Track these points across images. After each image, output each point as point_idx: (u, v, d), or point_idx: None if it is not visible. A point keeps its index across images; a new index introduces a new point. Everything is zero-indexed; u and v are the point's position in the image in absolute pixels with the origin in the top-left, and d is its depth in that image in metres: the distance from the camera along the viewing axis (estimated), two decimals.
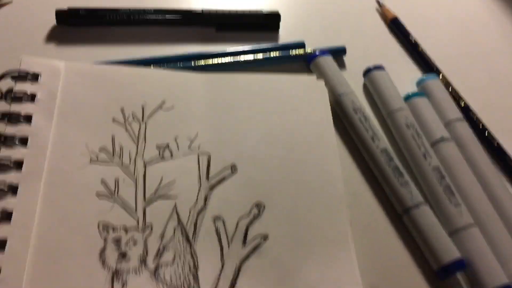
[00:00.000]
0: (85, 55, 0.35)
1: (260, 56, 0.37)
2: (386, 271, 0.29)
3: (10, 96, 0.29)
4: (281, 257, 0.27)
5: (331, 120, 0.33)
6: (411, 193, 0.31)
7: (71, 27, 0.36)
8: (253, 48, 0.37)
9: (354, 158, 0.34)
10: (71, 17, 0.36)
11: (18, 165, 0.27)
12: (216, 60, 0.36)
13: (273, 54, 0.37)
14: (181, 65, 0.35)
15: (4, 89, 0.30)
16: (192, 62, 0.35)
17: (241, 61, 0.36)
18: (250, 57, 0.37)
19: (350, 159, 0.34)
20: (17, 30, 0.36)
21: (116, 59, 0.35)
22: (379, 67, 0.37)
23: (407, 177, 0.32)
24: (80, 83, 0.31)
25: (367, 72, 0.37)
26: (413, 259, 0.30)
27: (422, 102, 0.36)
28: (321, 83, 0.34)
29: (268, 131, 0.31)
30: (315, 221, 0.28)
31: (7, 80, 0.30)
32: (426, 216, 0.30)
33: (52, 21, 0.36)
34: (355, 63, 0.39)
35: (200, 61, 0.36)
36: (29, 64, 0.30)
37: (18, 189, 0.26)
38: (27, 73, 0.30)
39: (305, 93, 0.34)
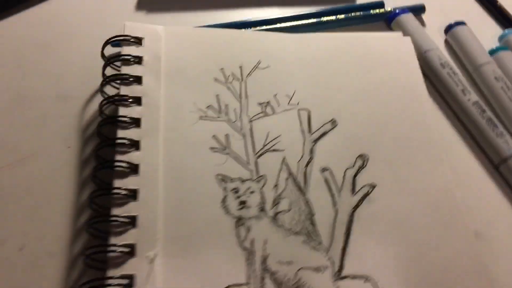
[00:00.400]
0: (173, 22, 0.36)
1: (341, 16, 0.37)
2: (487, 218, 0.30)
3: (116, 60, 0.30)
4: (390, 205, 0.28)
5: (421, 74, 0.33)
6: (508, 143, 0.31)
7: None
8: (333, 9, 0.38)
9: (443, 112, 0.34)
10: None
11: (136, 122, 0.28)
12: (300, 22, 0.37)
13: (354, 14, 0.38)
14: (266, 28, 0.36)
15: (109, 55, 0.32)
16: (276, 24, 0.36)
17: (323, 21, 0.37)
18: (332, 17, 0.37)
19: (439, 114, 0.34)
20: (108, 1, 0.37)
21: (201, 24, 0.36)
22: (461, 23, 0.37)
23: (501, 128, 0.32)
24: (181, 45, 0.32)
25: (449, 28, 0.37)
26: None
27: (508, 56, 0.36)
28: (407, 39, 0.35)
29: (362, 87, 0.32)
30: (418, 171, 0.29)
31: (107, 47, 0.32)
32: None
33: None
34: (433, 21, 0.39)
35: (285, 23, 0.37)
36: (132, 29, 0.31)
37: (141, 144, 0.27)
38: (131, 38, 0.31)
39: (393, 49, 0.34)
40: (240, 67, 0.32)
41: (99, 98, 0.32)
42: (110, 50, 0.32)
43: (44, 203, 0.27)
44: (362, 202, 0.28)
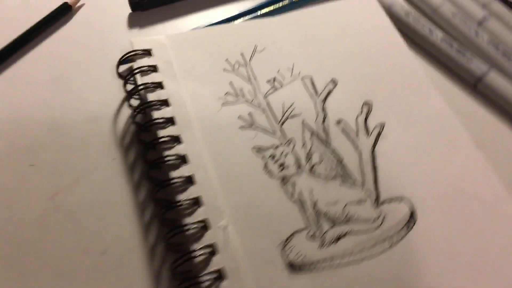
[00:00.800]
0: (164, 31, 0.40)
1: None
2: (481, 132, 0.35)
3: (135, 74, 0.34)
4: (401, 137, 0.32)
5: (393, 26, 0.38)
6: (478, 66, 0.37)
7: (145, 12, 0.41)
8: None
9: (418, 54, 0.39)
10: (143, 3, 0.40)
11: (171, 121, 0.32)
12: (275, 6, 0.41)
13: None
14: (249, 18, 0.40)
15: (123, 72, 0.35)
16: (256, 13, 0.41)
17: (294, 1, 0.42)
18: None
19: (415, 55, 0.39)
20: (99, 25, 0.40)
21: (190, 27, 0.39)
22: None
23: (469, 55, 0.38)
24: (185, 48, 0.35)
25: None
26: (496, 116, 0.36)
27: None
28: (374, 0, 0.40)
29: (348, 48, 0.37)
30: (415, 105, 0.34)
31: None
32: (497, 79, 0.36)
33: (125, 10, 0.41)
34: None
35: (262, 10, 0.41)
36: (140, 44, 0.35)
37: (182, 137, 0.31)
38: (141, 51, 0.34)
39: (365, 11, 0.39)
40: (241, 54, 0.36)
41: (124, 112, 0.35)
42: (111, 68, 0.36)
43: (109, 210, 0.31)
44: (378, 140, 0.32)
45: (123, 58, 0.34)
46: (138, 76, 0.34)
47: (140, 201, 0.31)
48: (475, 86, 0.37)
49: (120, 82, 0.35)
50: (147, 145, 0.31)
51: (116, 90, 0.36)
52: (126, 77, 0.34)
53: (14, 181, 0.31)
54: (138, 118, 0.33)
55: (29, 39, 0.38)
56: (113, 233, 0.30)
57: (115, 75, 0.36)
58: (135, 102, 0.34)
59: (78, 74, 0.37)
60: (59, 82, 0.36)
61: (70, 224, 0.30)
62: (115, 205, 0.31)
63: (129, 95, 0.33)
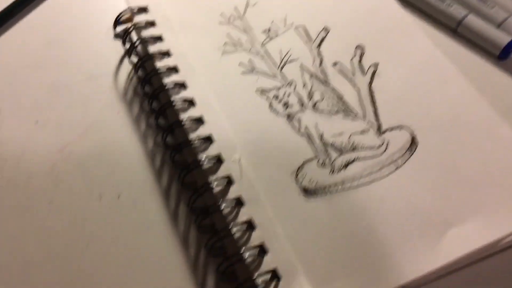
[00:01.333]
0: None
1: None
2: (463, 69, 0.37)
3: (133, 30, 0.34)
4: (393, 74, 0.34)
5: None
6: (457, 10, 0.39)
7: None
8: None
9: (400, 4, 0.41)
10: None
11: (174, 69, 0.32)
12: None
13: None
14: None
15: (120, 32, 0.36)
16: None
17: None
18: None
19: (398, 6, 0.41)
20: None
21: None
22: None
23: (448, 1, 0.40)
24: (180, 4, 0.36)
25: None
26: (477, 54, 0.38)
27: None
28: None
29: (338, 5, 0.38)
30: (403, 48, 0.36)
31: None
32: (476, 21, 0.39)
33: None
34: None
35: None
36: (135, 1, 0.35)
37: (187, 83, 0.31)
38: (137, 8, 0.35)
39: None
40: (235, 8, 0.37)
41: (123, 69, 0.35)
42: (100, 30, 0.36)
43: (119, 158, 0.31)
44: (373, 78, 0.34)
45: (119, 17, 0.35)
46: (134, 33, 0.34)
47: (149, 149, 0.32)
48: (455, 30, 0.39)
49: (117, 42, 0.36)
50: (152, 94, 0.32)
51: (113, 50, 0.36)
52: (125, 34, 0.34)
53: (22, 137, 0.31)
54: (140, 72, 0.34)
55: (19, 9, 0.38)
56: (125, 179, 0.30)
57: (111, 36, 0.37)
58: (134, 59, 0.34)
59: (74, 38, 0.37)
60: (56, 46, 0.36)
61: (81, 173, 0.30)
62: (125, 154, 0.31)
63: (130, 50, 0.34)
